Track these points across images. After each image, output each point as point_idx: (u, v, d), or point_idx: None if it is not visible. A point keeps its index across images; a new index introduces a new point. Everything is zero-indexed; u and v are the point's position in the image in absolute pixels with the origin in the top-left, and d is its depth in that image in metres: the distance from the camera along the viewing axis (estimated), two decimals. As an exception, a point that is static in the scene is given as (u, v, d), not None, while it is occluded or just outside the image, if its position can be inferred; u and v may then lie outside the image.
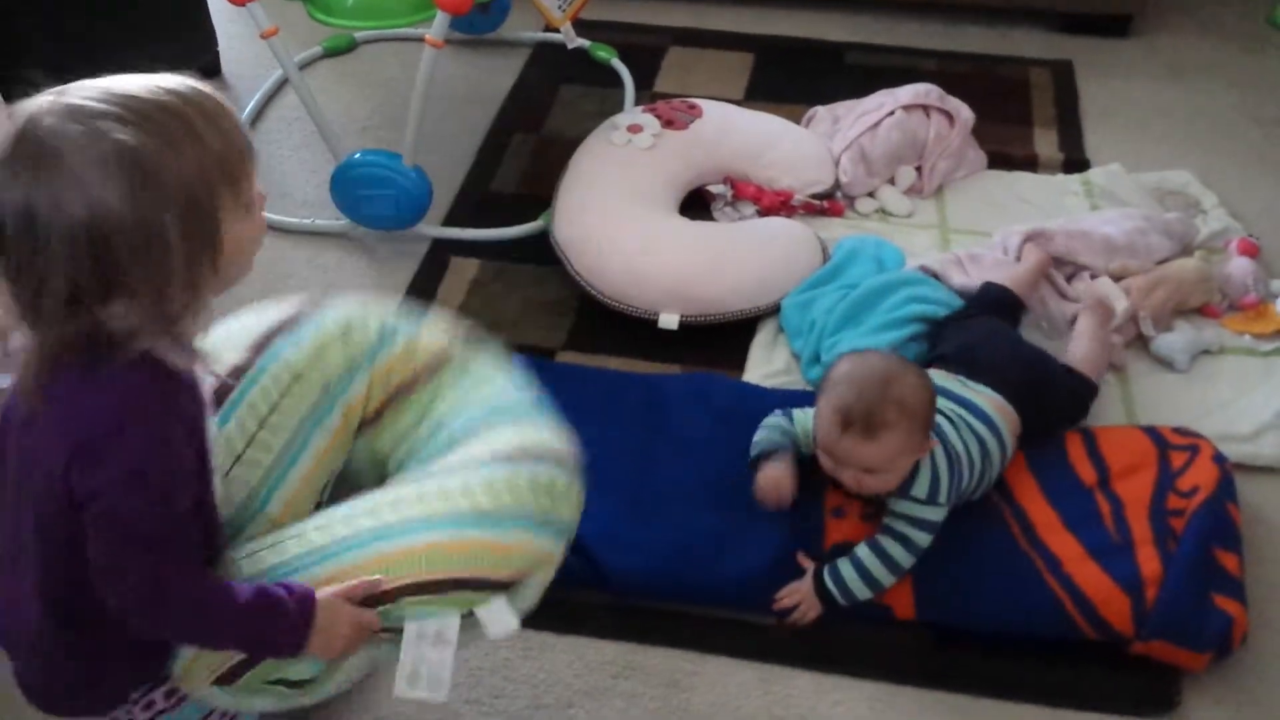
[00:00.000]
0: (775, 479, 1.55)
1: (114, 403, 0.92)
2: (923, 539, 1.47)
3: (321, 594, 1.04)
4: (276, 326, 1.22)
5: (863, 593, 1.46)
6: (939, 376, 1.60)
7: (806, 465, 1.59)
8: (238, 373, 1.17)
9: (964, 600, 1.48)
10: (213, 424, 1.04)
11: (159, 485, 0.94)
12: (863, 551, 1.47)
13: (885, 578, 1.46)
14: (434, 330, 1.28)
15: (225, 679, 1.06)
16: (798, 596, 1.48)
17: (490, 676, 1.45)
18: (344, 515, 1.13)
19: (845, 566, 1.47)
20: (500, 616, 1.05)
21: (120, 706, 1.08)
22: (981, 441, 1.54)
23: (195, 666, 1.06)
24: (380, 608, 1.06)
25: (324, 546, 1.09)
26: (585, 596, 1.52)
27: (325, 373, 1.20)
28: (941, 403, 1.53)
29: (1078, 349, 1.77)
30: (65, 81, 0.92)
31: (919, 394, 1.47)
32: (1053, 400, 1.67)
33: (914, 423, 1.45)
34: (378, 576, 1.05)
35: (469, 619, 1.07)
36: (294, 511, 1.17)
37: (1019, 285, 1.85)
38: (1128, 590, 1.45)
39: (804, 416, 1.60)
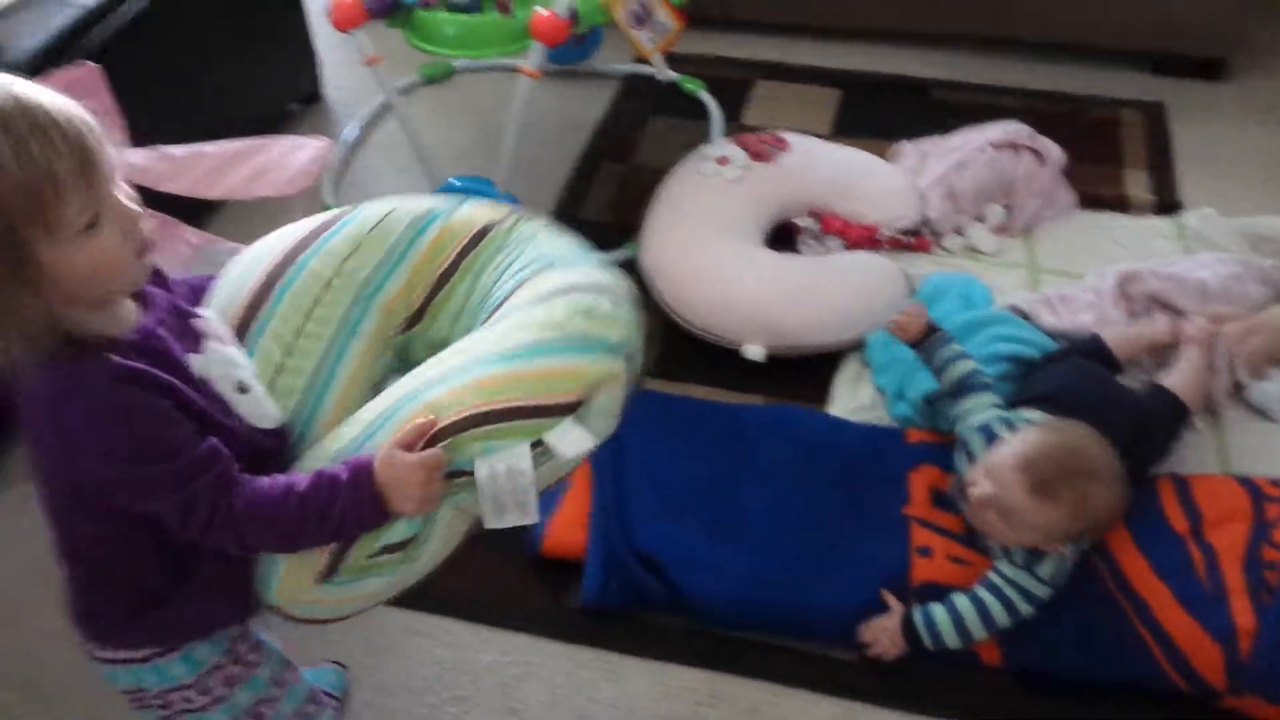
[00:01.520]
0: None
1: (39, 394, 0.93)
2: (1028, 611, 1.46)
3: (376, 452, 1.03)
4: (310, 235, 1.23)
5: (954, 642, 1.46)
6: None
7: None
8: (271, 283, 1.19)
9: (1052, 647, 1.47)
10: (194, 357, 1.04)
11: (130, 440, 0.95)
12: (962, 604, 1.46)
13: (980, 633, 1.46)
14: (471, 210, 1.25)
15: (329, 572, 1.07)
16: (881, 633, 1.48)
17: (574, 696, 1.47)
18: (389, 391, 1.15)
19: (940, 613, 1.47)
20: (571, 437, 1.02)
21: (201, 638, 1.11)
22: None
23: (294, 577, 1.08)
24: (446, 443, 1.03)
25: (374, 419, 1.10)
26: (668, 621, 1.54)
27: (356, 276, 1.21)
28: None
29: (1177, 376, 1.74)
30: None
31: (1105, 506, 1.44)
32: (1151, 442, 1.65)
33: (1073, 522, 1.43)
34: (430, 418, 1.04)
35: (539, 447, 1.03)
36: (348, 412, 1.17)
37: (1124, 349, 1.81)
38: (1220, 641, 1.43)
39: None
